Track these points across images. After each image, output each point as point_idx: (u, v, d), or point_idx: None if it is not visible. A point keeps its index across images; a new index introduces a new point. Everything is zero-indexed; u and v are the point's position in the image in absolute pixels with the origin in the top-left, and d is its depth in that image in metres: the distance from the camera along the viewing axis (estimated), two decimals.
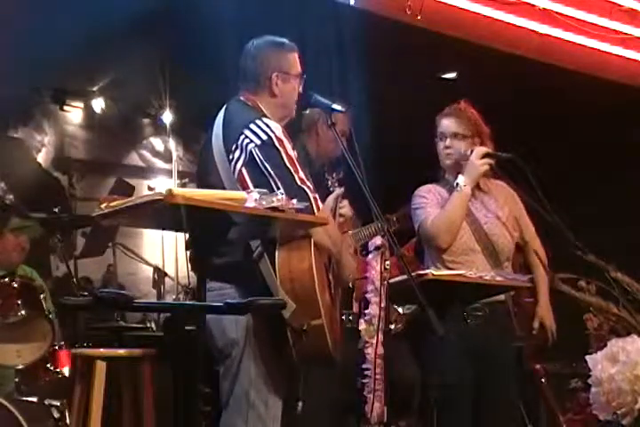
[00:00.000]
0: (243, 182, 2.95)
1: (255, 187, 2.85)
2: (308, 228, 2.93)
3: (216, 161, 3.05)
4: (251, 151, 2.97)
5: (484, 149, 3.65)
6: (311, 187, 2.96)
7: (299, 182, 2.94)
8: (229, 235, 2.85)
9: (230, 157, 3.00)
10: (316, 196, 2.96)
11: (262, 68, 3.21)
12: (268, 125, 3.02)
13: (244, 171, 2.97)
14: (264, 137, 2.98)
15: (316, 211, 2.90)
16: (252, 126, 3.01)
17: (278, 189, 2.85)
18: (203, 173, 3.18)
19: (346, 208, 3.48)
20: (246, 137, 2.99)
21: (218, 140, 3.09)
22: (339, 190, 3.42)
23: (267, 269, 2.89)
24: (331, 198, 3.37)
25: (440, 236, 3.61)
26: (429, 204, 3.72)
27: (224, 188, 2.95)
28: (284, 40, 3.27)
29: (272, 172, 2.93)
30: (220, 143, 3.06)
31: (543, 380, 4.22)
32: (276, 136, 2.99)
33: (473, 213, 3.71)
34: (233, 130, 3.05)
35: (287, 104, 3.26)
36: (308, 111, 4.09)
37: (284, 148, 2.99)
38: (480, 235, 3.67)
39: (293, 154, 3.01)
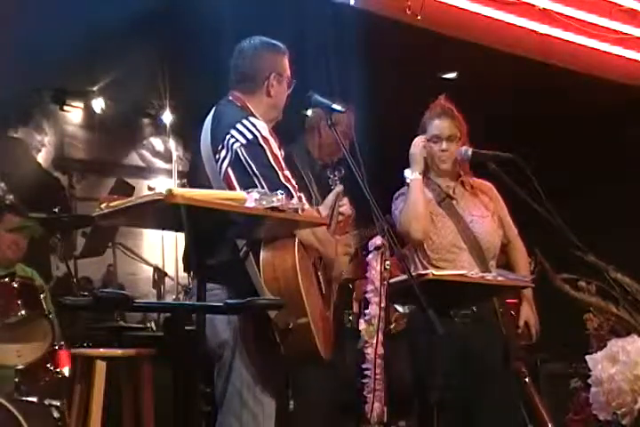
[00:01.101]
0: (229, 182, 2.97)
1: (241, 186, 2.89)
2: (304, 228, 2.96)
3: (204, 161, 3.07)
4: (236, 151, 2.99)
5: (419, 138, 3.74)
6: (296, 186, 2.98)
7: (283, 181, 2.96)
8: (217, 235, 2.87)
9: (217, 156, 3.02)
10: (301, 195, 2.96)
11: (260, 67, 3.23)
12: (254, 125, 3.04)
13: (229, 171, 2.99)
14: (249, 136, 3.01)
15: (300, 211, 2.91)
16: (239, 126, 3.03)
17: (263, 188, 2.86)
18: (193, 173, 3.23)
19: (346, 206, 3.50)
20: (232, 136, 3.01)
21: (206, 141, 3.11)
22: (338, 188, 3.45)
23: (252, 268, 2.90)
24: (331, 196, 3.40)
25: (410, 228, 3.63)
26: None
27: (211, 187, 2.97)
28: (279, 43, 3.30)
29: (257, 171, 2.95)
30: (208, 143, 3.09)
31: (527, 380, 4.25)
32: (261, 135, 3.01)
33: (458, 212, 3.74)
34: (220, 130, 3.07)
35: (278, 105, 3.28)
36: (310, 111, 4.09)
37: (269, 146, 3.00)
38: (466, 233, 3.69)
39: (279, 153, 3.03)
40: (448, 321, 3.50)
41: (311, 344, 2.92)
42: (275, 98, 3.24)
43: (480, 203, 3.78)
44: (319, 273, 3.20)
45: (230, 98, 3.23)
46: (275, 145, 3.03)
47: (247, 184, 2.86)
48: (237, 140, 3.00)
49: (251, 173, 2.96)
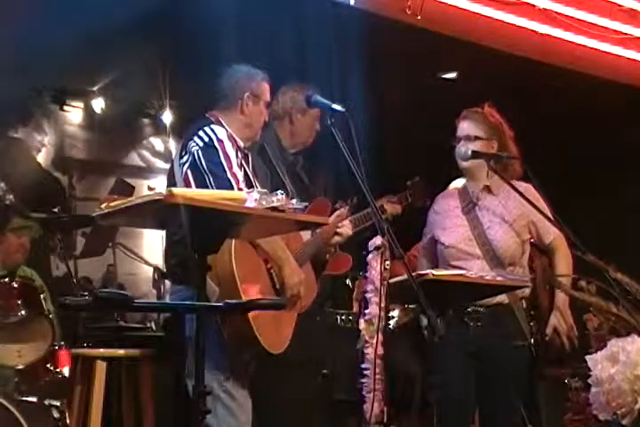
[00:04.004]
0: (187, 182, 3.28)
1: (196, 185, 3.21)
2: (304, 228, 3.05)
3: (174, 170, 3.39)
4: (193, 153, 3.31)
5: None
6: (240, 182, 3.25)
7: (229, 175, 3.24)
8: (176, 236, 3.10)
9: (181, 161, 3.34)
10: (242, 187, 3.19)
11: (235, 87, 3.53)
12: (212, 130, 3.36)
13: (188, 172, 3.31)
14: (206, 139, 3.32)
15: None
16: (200, 132, 3.35)
17: (210, 183, 3.19)
18: (169, 180, 3.48)
19: (345, 228, 3.77)
20: (193, 141, 3.33)
21: (176, 151, 3.47)
22: (340, 211, 3.73)
23: None
24: (333, 217, 3.68)
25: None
26: (426, 232, 3.88)
27: None
28: (259, 70, 3.60)
29: (206, 168, 3.27)
30: (178, 151, 3.44)
31: (567, 381, 4.30)
32: (217, 138, 3.32)
33: (478, 217, 3.72)
34: (186, 138, 3.40)
35: (253, 125, 3.56)
36: (278, 101, 4.06)
37: (222, 147, 3.31)
38: (482, 239, 3.67)
39: (232, 153, 3.33)
40: (461, 324, 3.54)
41: (249, 331, 3.11)
42: (249, 117, 3.53)
43: (505, 207, 3.74)
44: (272, 270, 3.39)
45: (207, 115, 3.52)
46: (229, 145, 3.33)
47: (201, 182, 3.20)
48: (196, 144, 3.32)
49: (202, 170, 3.26)
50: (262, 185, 3.28)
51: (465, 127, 3.76)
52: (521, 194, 3.61)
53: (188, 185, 3.24)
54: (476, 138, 3.72)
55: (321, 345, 4.12)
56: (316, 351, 4.01)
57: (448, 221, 3.77)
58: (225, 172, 3.24)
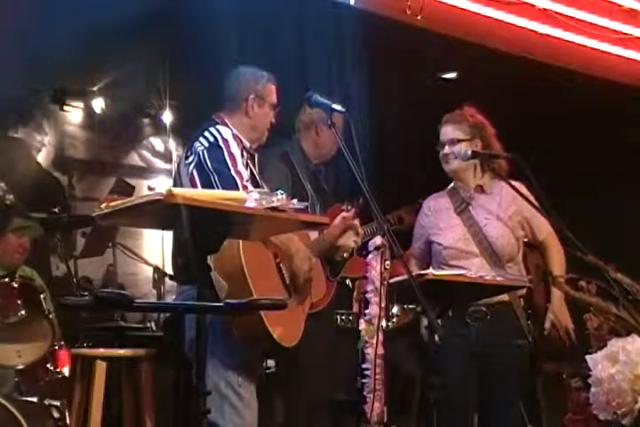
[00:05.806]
0: (192, 182, 3.28)
1: (201, 184, 3.22)
2: (305, 228, 3.12)
3: (180, 171, 3.40)
4: (198, 153, 3.31)
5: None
6: (245, 179, 3.26)
7: (233, 173, 3.24)
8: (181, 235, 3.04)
9: (186, 161, 3.35)
10: (247, 184, 3.22)
11: (240, 89, 3.53)
12: (217, 130, 3.37)
13: (194, 172, 3.31)
14: (211, 139, 3.33)
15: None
16: (205, 133, 3.37)
17: (215, 181, 3.20)
18: (175, 185, 3.46)
19: (359, 228, 3.72)
20: (199, 141, 3.34)
21: (182, 153, 3.50)
22: (345, 213, 3.72)
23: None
24: (338, 219, 3.67)
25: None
26: (418, 236, 3.89)
27: None
28: (265, 72, 3.60)
29: (211, 167, 3.27)
30: (183, 154, 3.45)
31: (565, 380, 4.30)
32: (222, 138, 3.33)
33: (473, 216, 3.74)
34: (192, 139, 3.40)
35: (258, 127, 3.56)
36: (305, 111, 4.11)
37: (227, 146, 3.32)
38: (479, 238, 3.69)
39: (237, 152, 3.34)
40: (462, 323, 3.54)
41: (259, 323, 3.09)
42: (254, 119, 3.53)
43: (498, 204, 3.77)
44: (281, 264, 3.39)
45: (213, 117, 3.52)
46: (234, 145, 3.34)
47: (206, 181, 3.20)
48: (202, 144, 3.32)
49: (207, 169, 3.26)
50: (279, 185, 3.27)
51: (448, 131, 3.80)
52: (517, 191, 3.64)
53: (194, 185, 3.25)
54: (459, 140, 3.75)
55: (328, 346, 4.12)
56: (323, 352, 4.01)
57: (442, 222, 3.80)
58: (229, 169, 3.25)
